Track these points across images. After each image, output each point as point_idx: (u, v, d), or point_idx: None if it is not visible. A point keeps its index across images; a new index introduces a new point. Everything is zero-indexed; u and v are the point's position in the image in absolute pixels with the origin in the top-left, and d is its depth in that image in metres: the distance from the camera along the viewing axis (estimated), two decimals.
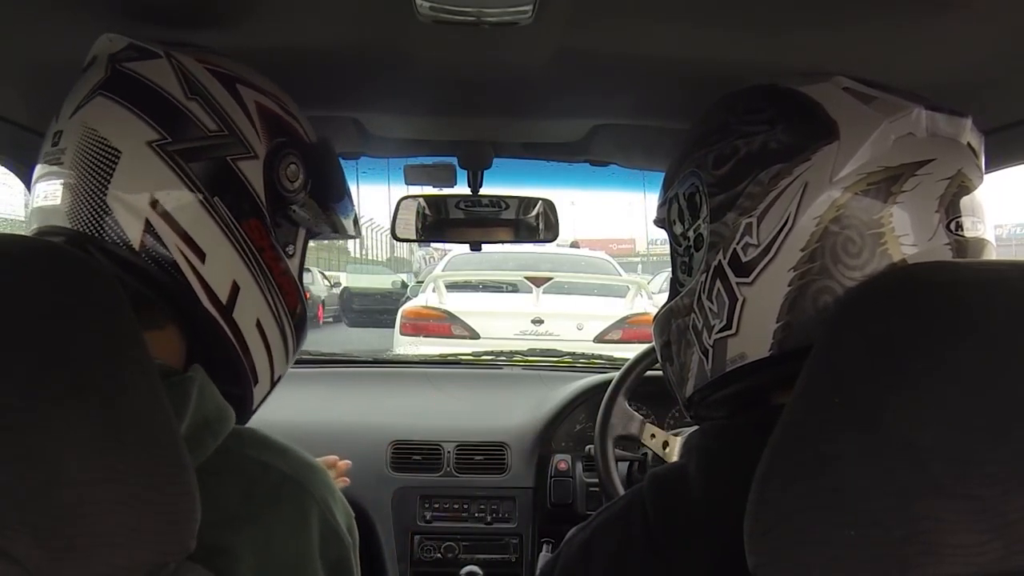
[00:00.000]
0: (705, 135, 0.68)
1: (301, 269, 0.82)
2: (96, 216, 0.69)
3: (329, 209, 0.83)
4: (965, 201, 0.60)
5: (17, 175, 1.19)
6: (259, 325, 0.76)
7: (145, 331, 0.66)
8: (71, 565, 0.48)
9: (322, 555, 0.70)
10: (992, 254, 0.61)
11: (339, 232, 0.85)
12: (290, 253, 0.80)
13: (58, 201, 0.70)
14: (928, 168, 0.59)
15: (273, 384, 0.81)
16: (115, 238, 0.69)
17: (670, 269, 0.76)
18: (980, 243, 0.60)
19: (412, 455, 1.71)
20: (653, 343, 0.77)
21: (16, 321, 0.50)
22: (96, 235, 0.69)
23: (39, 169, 0.73)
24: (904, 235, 0.58)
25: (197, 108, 0.72)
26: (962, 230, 0.59)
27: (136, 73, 0.72)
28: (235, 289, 0.73)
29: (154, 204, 0.69)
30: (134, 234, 0.69)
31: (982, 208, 0.61)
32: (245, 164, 0.74)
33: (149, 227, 0.69)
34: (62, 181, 0.70)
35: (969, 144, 0.63)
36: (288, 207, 0.78)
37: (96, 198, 0.69)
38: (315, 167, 0.80)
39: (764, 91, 0.67)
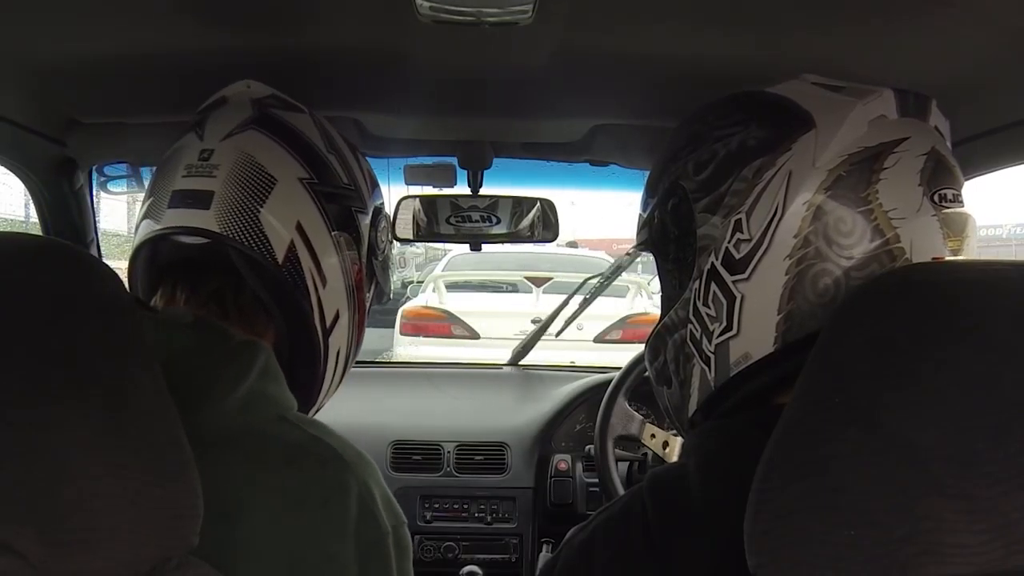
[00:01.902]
0: (679, 149, 0.69)
1: (367, 316, 0.94)
2: (248, 228, 0.77)
3: (388, 270, 0.96)
4: (944, 174, 0.61)
5: (17, 175, 1.19)
6: (338, 354, 0.86)
7: (247, 334, 0.76)
8: (74, 560, 0.48)
9: (356, 534, 0.71)
10: (975, 226, 0.62)
11: (386, 292, 0.98)
12: (367, 299, 0.92)
13: (207, 208, 0.77)
14: (905, 145, 0.60)
15: (316, 410, 0.90)
16: (262, 249, 0.77)
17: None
18: (963, 216, 0.61)
19: (412, 455, 1.71)
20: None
21: (19, 317, 0.50)
22: (245, 242, 0.77)
23: (181, 180, 0.79)
24: (892, 209, 0.59)
25: (335, 161, 0.85)
26: (946, 201, 0.60)
27: (285, 120, 0.83)
28: (336, 317, 0.84)
29: (299, 229, 0.79)
30: (280, 249, 0.78)
31: (960, 183, 0.63)
32: (361, 217, 0.87)
33: (292, 247, 0.79)
34: (214, 192, 0.77)
35: (937, 128, 0.64)
36: (375, 260, 0.91)
37: (250, 213, 0.77)
38: (391, 234, 0.96)
39: (732, 98, 0.68)
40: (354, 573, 0.70)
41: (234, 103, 0.84)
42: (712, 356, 0.65)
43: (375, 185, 0.93)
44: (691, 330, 0.66)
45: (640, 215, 0.76)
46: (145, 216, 0.82)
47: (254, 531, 0.65)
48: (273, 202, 0.78)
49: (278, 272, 0.78)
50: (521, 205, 1.35)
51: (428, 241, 1.48)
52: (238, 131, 0.80)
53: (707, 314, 0.64)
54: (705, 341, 0.65)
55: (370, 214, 0.89)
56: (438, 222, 1.34)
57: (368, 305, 0.93)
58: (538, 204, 1.36)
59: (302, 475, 0.69)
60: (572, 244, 8.32)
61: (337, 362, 0.86)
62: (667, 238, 0.70)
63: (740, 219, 0.62)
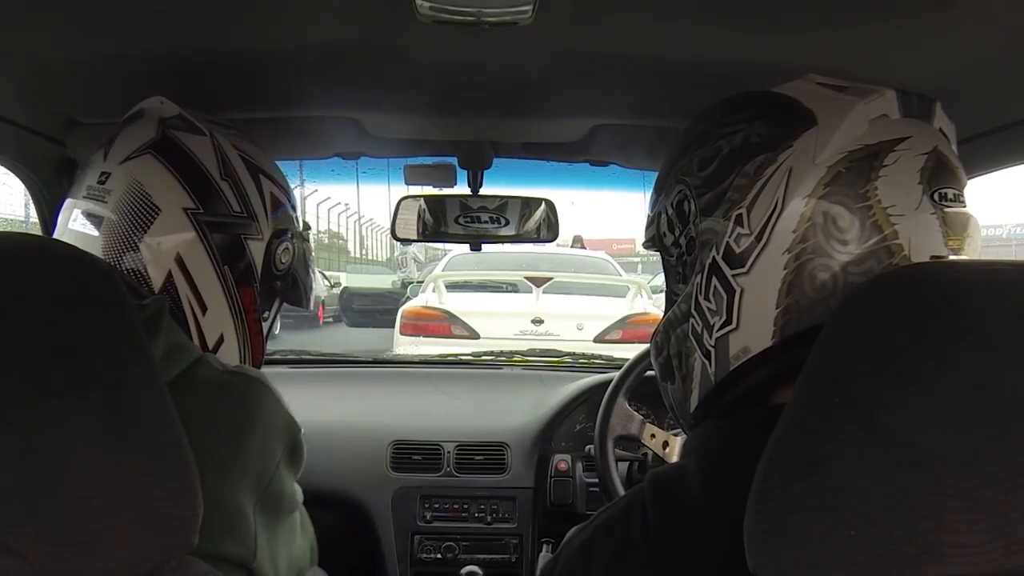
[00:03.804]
0: (686, 147, 0.69)
1: (270, 331, 0.98)
2: (128, 256, 0.81)
3: (299, 285, 0.98)
4: (946, 174, 0.61)
5: (17, 175, 1.19)
6: None
7: None
8: (74, 560, 0.48)
9: (285, 439, 0.83)
10: (977, 227, 0.62)
11: (302, 302, 1.01)
12: (265, 318, 0.95)
13: (96, 233, 0.82)
14: (906, 144, 0.61)
15: None
16: (139, 278, 0.81)
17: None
18: (965, 216, 0.61)
19: (412, 455, 1.71)
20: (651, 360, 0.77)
21: (19, 317, 0.50)
22: (125, 270, 0.81)
23: (82, 200, 0.84)
24: (891, 206, 0.59)
25: (228, 189, 0.86)
26: (946, 200, 0.60)
27: (183, 144, 0.85)
28: (220, 340, 0.87)
29: (178, 260, 0.82)
30: (157, 279, 0.82)
31: (963, 184, 0.63)
32: (253, 244, 0.89)
33: (170, 276, 0.82)
34: (103, 218, 0.82)
35: (941, 130, 0.65)
36: (274, 281, 0.93)
37: (131, 241, 0.81)
38: (299, 250, 0.97)
39: (737, 97, 0.69)
40: (281, 470, 0.83)
41: (145, 119, 0.87)
42: (712, 350, 0.65)
43: (281, 205, 0.93)
44: (693, 324, 0.67)
45: (648, 215, 0.76)
46: (59, 221, 0.87)
47: (216, 459, 0.73)
48: (155, 232, 0.82)
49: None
50: (529, 206, 1.35)
51: (433, 241, 1.48)
52: (136, 155, 0.83)
53: (708, 308, 0.65)
54: (706, 335, 0.65)
55: (267, 238, 0.90)
56: (445, 222, 1.34)
57: (268, 323, 0.97)
58: (543, 205, 1.36)
59: (234, 403, 0.78)
60: (578, 240, 8.26)
61: None
62: (672, 234, 0.70)
63: (741, 214, 0.62)
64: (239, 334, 0.89)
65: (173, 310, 0.82)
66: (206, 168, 0.85)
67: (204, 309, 0.85)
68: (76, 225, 0.84)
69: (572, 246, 7.75)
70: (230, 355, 0.89)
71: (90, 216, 0.83)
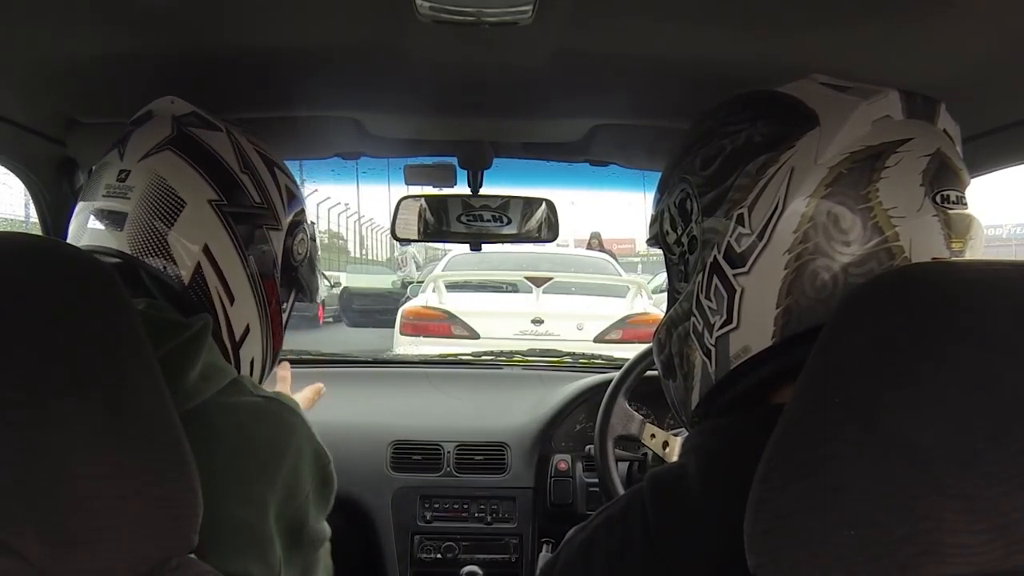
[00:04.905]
0: (690, 145, 0.69)
1: (287, 323, 0.99)
2: (156, 250, 0.82)
3: (313, 277, 1.00)
4: (948, 176, 0.61)
5: (17, 175, 1.19)
6: (252, 363, 0.91)
7: None
8: (74, 560, 0.48)
9: (313, 463, 0.85)
10: (980, 229, 0.62)
11: (310, 296, 1.02)
12: (284, 308, 0.96)
13: (120, 230, 0.82)
14: (908, 146, 0.60)
15: None
16: (169, 271, 0.82)
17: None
18: (968, 218, 0.61)
19: (412, 455, 1.71)
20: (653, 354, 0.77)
21: (19, 317, 0.50)
22: (153, 264, 0.82)
23: (101, 200, 0.84)
24: (892, 207, 0.59)
25: (248, 181, 0.87)
26: (948, 203, 0.60)
27: (201, 139, 0.85)
28: (247, 331, 0.88)
29: (206, 251, 0.83)
30: (186, 271, 0.83)
31: (966, 186, 0.63)
32: (273, 234, 0.91)
33: (199, 268, 0.83)
34: (127, 214, 0.82)
35: (945, 131, 0.64)
36: (292, 273, 0.95)
37: (159, 236, 0.82)
38: (311, 244, 0.99)
39: (742, 96, 0.69)
40: (310, 499, 0.84)
41: (157, 119, 0.87)
42: (713, 349, 0.65)
43: (295, 198, 0.95)
44: (694, 323, 0.67)
45: (653, 206, 0.77)
46: (73, 225, 0.86)
47: (245, 482, 0.75)
48: (181, 225, 0.82)
49: (184, 292, 0.82)
50: (531, 206, 1.35)
51: (434, 241, 1.48)
52: (154, 151, 0.83)
53: (709, 307, 0.65)
54: (707, 334, 0.65)
55: (285, 228, 0.92)
56: (448, 221, 1.34)
57: (286, 314, 0.98)
58: (544, 204, 1.36)
59: (269, 428, 0.80)
60: (595, 237, 8.02)
61: (252, 371, 0.91)
62: (674, 232, 0.71)
63: (743, 213, 0.62)
64: (263, 325, 0.90)
65: (204, 304, 0.83)
66: (226, 161, 0.86)
67: (232, 299, 0.85)
68: (97, 224, 0.83)
69: (589, 244, 7.63)
70: (254, 347, 0.90)
71: (112, 214, 0.82)
